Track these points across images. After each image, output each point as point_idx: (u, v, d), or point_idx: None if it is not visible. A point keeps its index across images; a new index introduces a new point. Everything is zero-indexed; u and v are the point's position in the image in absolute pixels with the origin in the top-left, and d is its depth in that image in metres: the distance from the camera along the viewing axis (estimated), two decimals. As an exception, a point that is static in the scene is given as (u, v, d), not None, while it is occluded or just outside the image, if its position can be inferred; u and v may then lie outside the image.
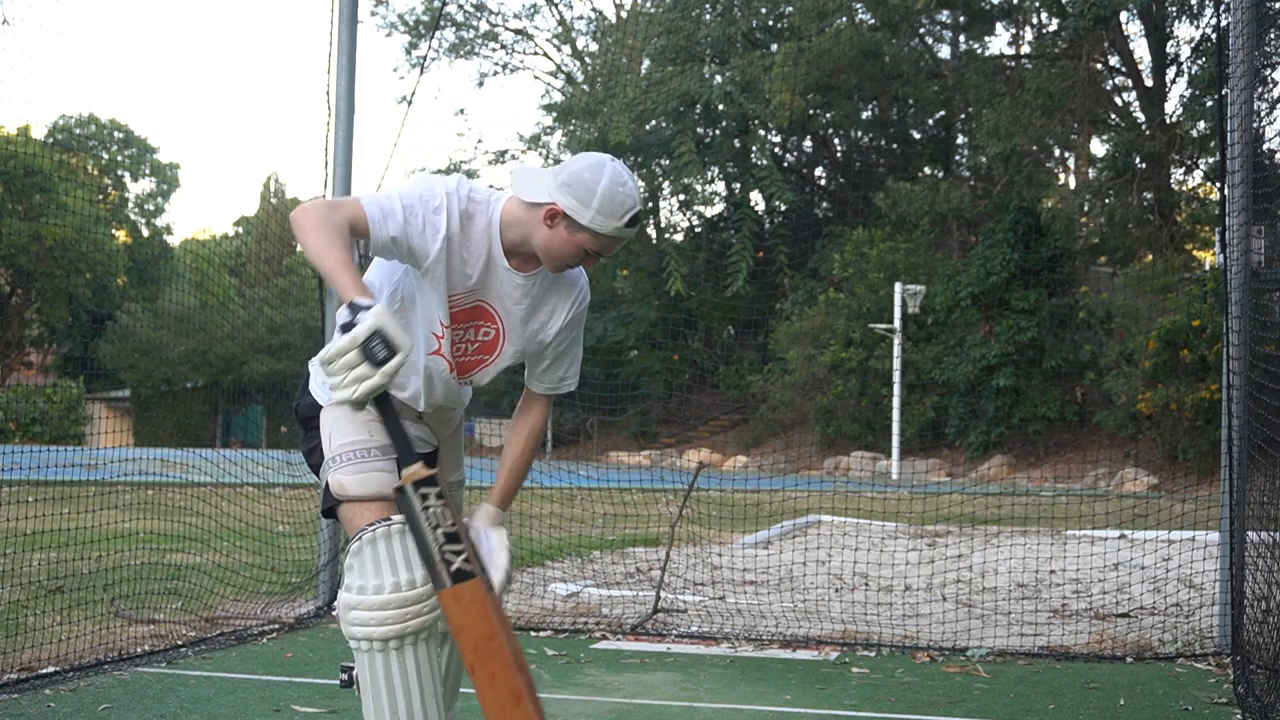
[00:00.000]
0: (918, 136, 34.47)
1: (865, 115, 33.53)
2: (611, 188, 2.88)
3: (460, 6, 36.81)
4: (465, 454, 3.53)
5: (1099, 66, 27.14)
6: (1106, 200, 26.42)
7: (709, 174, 32.64)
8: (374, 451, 2.94)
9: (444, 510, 2.58)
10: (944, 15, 31.27)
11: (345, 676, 2.94)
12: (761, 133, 31.88)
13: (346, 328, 2.54)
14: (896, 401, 24.94)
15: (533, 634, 6.08)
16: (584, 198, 2.87)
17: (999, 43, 44.98)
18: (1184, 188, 27.15)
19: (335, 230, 2.70)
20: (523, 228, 2.95)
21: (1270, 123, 4.96)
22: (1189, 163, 26.03)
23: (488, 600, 2.60)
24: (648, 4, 34.07)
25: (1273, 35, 5.09)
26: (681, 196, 34.60)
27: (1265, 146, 5.07)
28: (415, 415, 3.13)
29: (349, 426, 2.97)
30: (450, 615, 2.58)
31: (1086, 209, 27.96)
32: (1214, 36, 21.17)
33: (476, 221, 2.94)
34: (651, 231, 36.10)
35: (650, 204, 36.11)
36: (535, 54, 39.97)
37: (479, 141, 55.88)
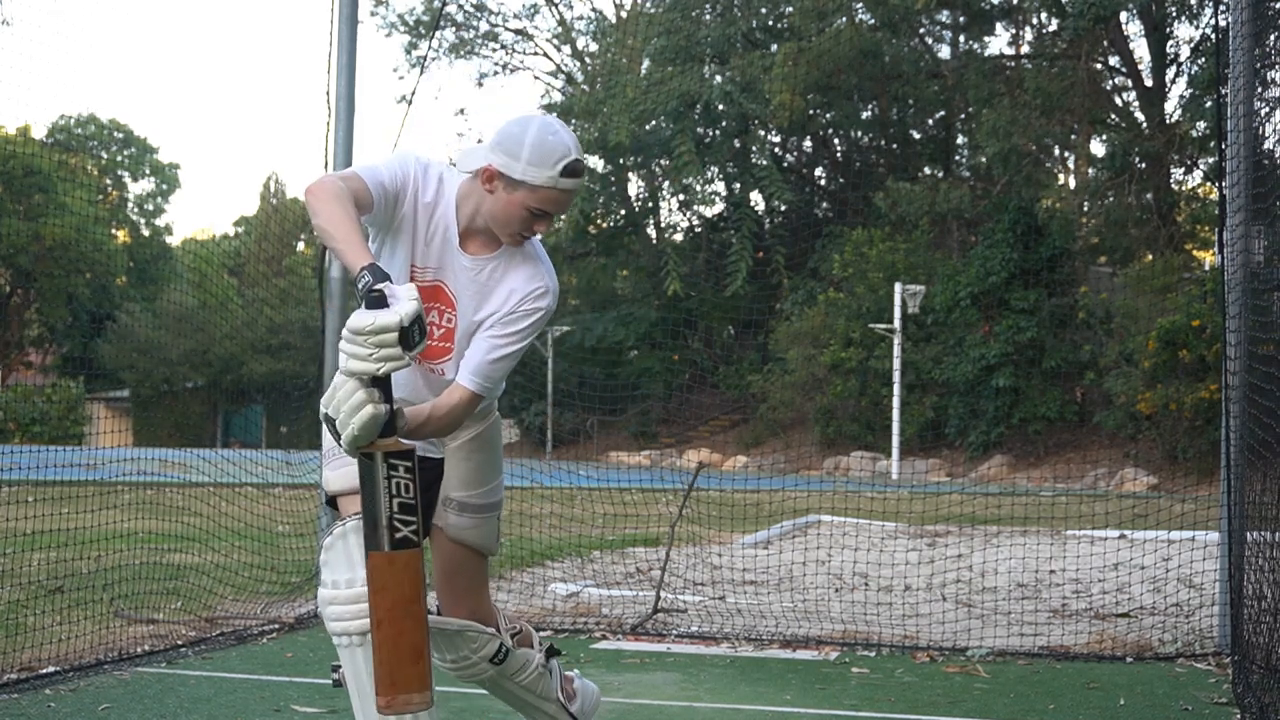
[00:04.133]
0: (918, 136, 34.46)
1: (865, 115, 33.52)
2: (540, 136, 2.87)
3: (460, 6, 36.79)
4: None
5: (1099, 66, 27.13)
6: (1106, 200, 26.41)
7: (709, 174, 32.63)
8: None
9: (409, 484, 2.64)
10: (944, 15, 31.27)
11: (336, 676, 2.96)
12: (761, 133, 31.87)
13: (376, 298, 2.56)
14: (896, 401, 24.93)
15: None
16: (513, 151, 2.87)
17: (999, 43, 45.00)
18: (1184, 188, 27.16)
19: (349, 200, 2.75)
20: (472, 201, 2.98)
21: (1270, 122, 4.94)
22: (1189, 163, 26.03)
23: (421, 569, 2.67)
24: (648, 4, 34.05)
25: (1273, 35, 5.08)
26: (681, 196, 34.60)
27: (1265, 146, 5.06)
28: None
29: None
30: (378, 575, 2.65)
31: (1086, 209, 27.96)
32: (1214, 36, 21.16)
33: (437, 200, 2.98)
34: (651, 231, 36.08)
35: (650, 204, 36.08)
36: (535, 54, 39.95)
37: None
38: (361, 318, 2.54)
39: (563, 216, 2.99)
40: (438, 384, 3.07)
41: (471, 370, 2.95)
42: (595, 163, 33.18)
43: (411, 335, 2.55)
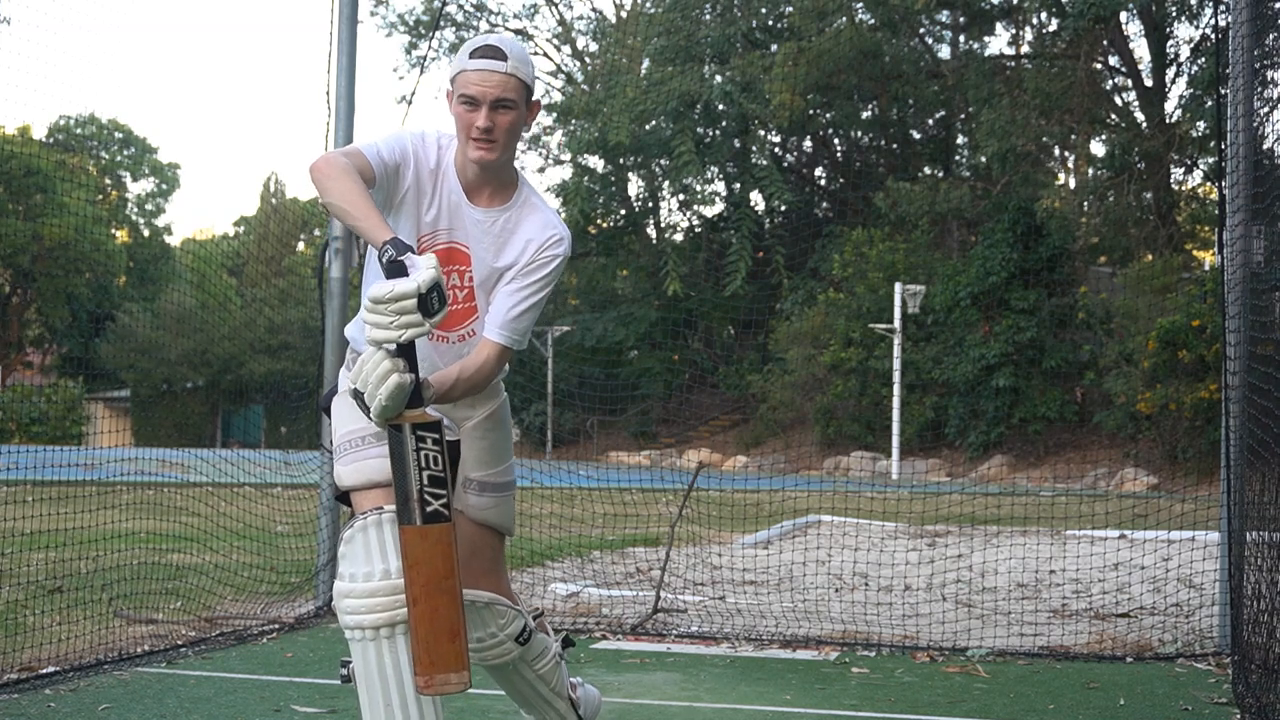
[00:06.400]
0: (918, 136, 34.45)
1: (865, 115, 33.51)
2: (468, 42, 3.04)
3: (460, 6, 36.81)
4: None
5: (1098, 66, 27.12)
6: (1106, 200, 26.41)
7: (709, 174, 32.61)
8: (368, 439, 2.99)
9: (438, 456, 2.68)
10: (944, 15, 31.25)
11: (345, 672, 2.96)
12: (761, 133, 31.87)
13: (396, 268, 2.62)
14: (896, 401, 24.94)
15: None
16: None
17: (999, 43, 45.03)
18: (1184, 188, 27.15)
19: (357, 175, 2.80)
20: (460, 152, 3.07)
21: (1270, 122, 4.94)
22: (1189, 163, 26.02)
23: (453, 544, 2.70)
24: (648, 4, 34.05)
25: (1273, 35, 5.08)
26: (681, 196, 34.59)
27: (1265, 146, 5.05)
28: None
29: (349, 415, 3.04)
30: (411, 551, 2.68)
31: (1086, 209, 27.96)
32: (1214, 36, 21.17)
33: (439, 162, 3.05)
34: (651, 231, 36.07)
35: (650, 204, 36.07)
36: (535, 54, 39.94)
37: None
38: (380, 287, 2.60)
39: (505, 106, 2.95)
40: (467, 351, 3.10)
41: (498, 325, 3.01)
42: (595, 163, 33.19)
43: (430, 302, 2.59)
